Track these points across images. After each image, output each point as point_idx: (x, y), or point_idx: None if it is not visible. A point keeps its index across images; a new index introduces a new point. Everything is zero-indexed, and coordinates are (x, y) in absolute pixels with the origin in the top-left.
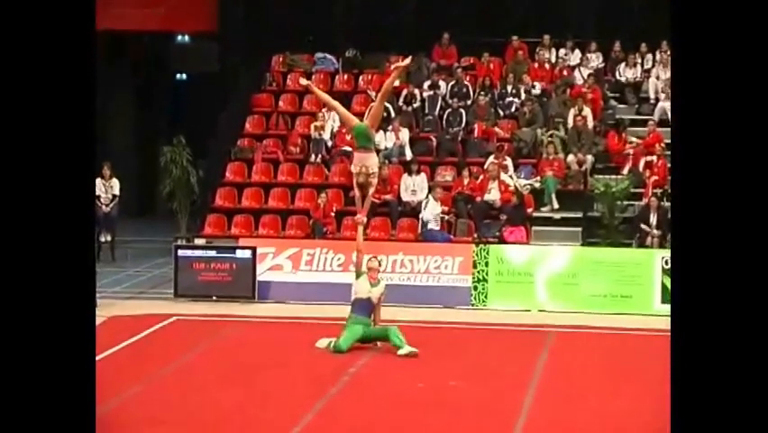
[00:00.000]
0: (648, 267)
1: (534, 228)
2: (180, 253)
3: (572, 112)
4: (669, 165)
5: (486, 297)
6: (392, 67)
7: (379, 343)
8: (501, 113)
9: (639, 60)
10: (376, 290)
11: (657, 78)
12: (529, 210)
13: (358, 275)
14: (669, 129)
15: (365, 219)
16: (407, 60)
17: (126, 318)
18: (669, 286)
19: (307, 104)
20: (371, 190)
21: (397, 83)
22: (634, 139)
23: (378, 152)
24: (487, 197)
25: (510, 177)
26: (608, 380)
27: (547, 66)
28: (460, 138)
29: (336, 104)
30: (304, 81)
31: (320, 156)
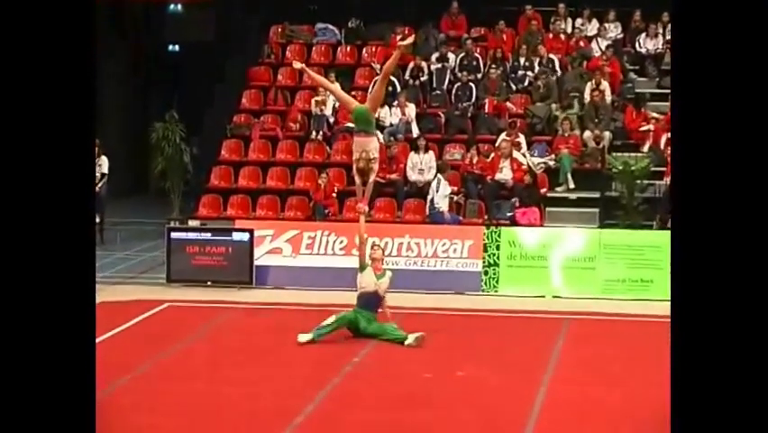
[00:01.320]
0: (669, 251)
1: (548, 209)
2: (173, 235)
3: (589, 86)
4: None
5: (497, 282)
6: (397, 43)
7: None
8: (514, 87)
9: (660, 31)
10: (383, 282)
11: None
12: (543, 190)
13: (362, 268)
14: None
15: (367, 208)
16: (410, 39)
17: (116, 304)
18: None
19: (308, 77)
20: (372, 177)
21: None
22: (654, 114)
23: (383, 128)
24: (498, 176)
25: (523, 155)
26: (627, 369)
27: (563, 37)
28: (470, 114)
29: (334, 86)
30: (297, 65)
31: (321, 133)
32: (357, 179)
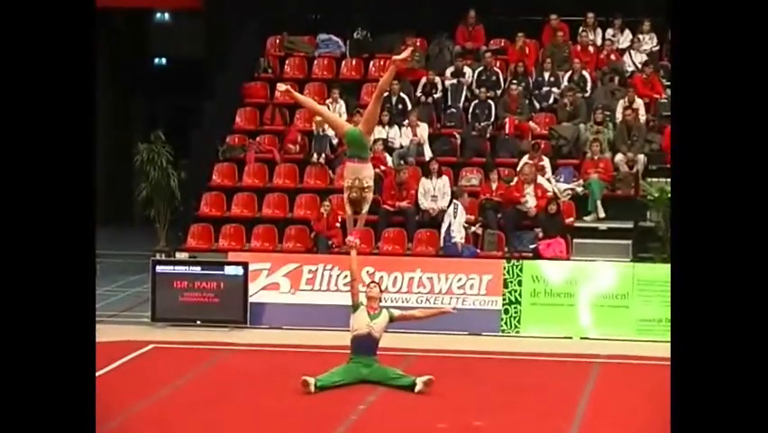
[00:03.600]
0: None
1: (575, 241)
2: (159, 269)
3: (621, 104)
4: None
5: (519, 322)
6: (392, 57)
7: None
8: (537, 105)
9: None
10: (376, 323)
11: None
12: (570, 220)
13: (355, 308)
14: None
15: (358, 241)
16: (407, 52)
17: (96, 346)
18: None
19: (308, 94)
20: (366, 208)
21: (388, 72)
22: None
23: (392, 150)
24: (520, 204)
25: (548, 180)
26: (664, 418)
27: (592, 49)
28: (488, 135)
29: (322, 108)
30: (282, 87)
31: (323, 156)
32: (348, 210)
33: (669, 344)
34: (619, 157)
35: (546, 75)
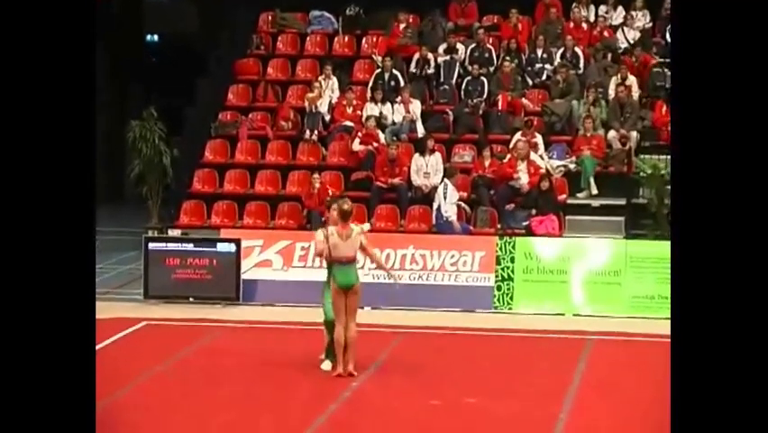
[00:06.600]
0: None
1: (568, 218)
2: (151, 246)
3: (614, 80)
4: None
5: (511, 298)
6: None
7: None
8: (530, 81)
9: None
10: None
11: None
12: (562, 196)
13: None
14: None
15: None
16: None
17: None
18: None
19: (301, 71)
20: None
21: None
22: None
23: (384, 127)
24: (513, 180)
25: (540, 157)
26: (656, 396)
27: (585, 26)
28: (481, 111)
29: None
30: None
31: (315, 132)
32: None
33: (661, 320)
34: (612, 134)
35: (539, 51)
